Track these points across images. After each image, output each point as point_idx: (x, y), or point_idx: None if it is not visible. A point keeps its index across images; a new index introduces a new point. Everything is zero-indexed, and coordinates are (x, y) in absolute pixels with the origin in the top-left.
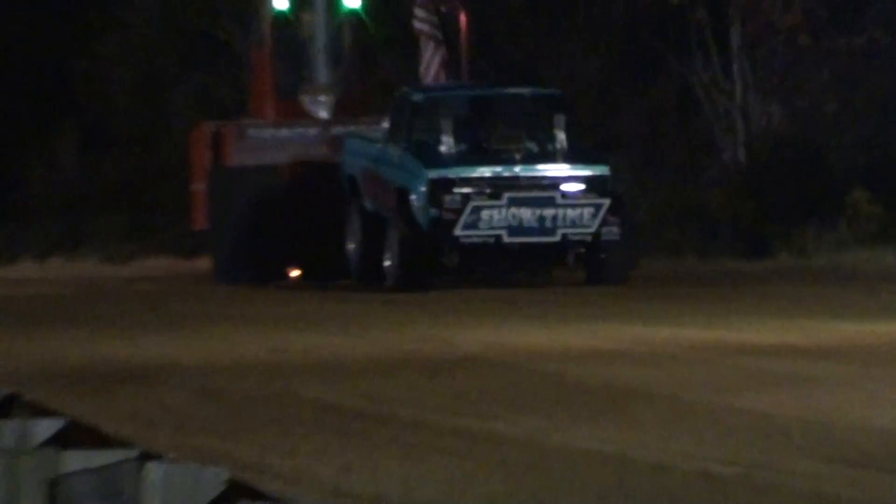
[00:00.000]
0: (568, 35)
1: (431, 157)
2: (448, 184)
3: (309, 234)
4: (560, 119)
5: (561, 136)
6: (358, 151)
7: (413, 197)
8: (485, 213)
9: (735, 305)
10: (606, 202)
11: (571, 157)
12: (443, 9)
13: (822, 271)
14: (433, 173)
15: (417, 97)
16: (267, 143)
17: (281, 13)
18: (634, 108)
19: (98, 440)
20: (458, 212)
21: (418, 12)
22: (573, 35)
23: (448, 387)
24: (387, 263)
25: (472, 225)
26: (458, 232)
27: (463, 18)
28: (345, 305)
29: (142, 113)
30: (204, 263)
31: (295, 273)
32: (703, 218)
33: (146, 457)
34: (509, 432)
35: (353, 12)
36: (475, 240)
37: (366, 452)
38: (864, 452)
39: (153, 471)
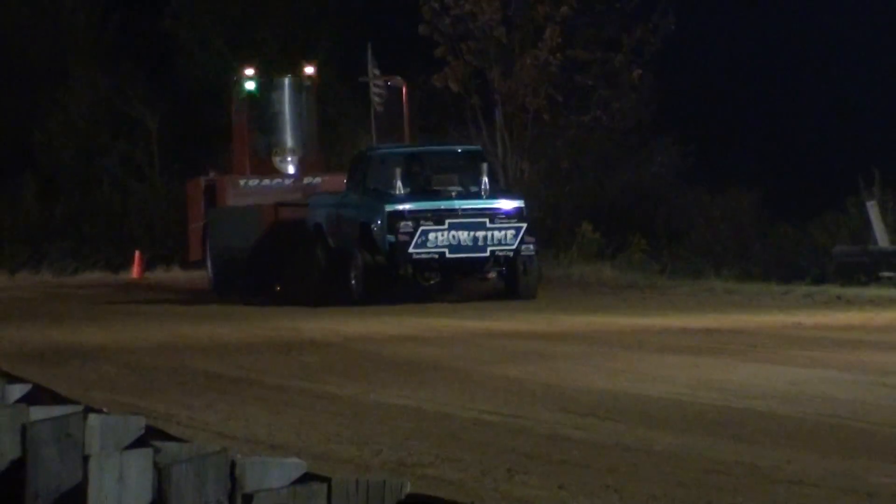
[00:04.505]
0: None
1: (387, 197)
2: (401, 215)
3: (287, 258)
4: (484, 166)
5: (485, 179)
6: (322, 203)
7: (374, 227)
8: (431, 235)
9: (500, 304)
10: (524, 225)
11: (494, 193)
12: (389, 83)
13: (557, 281)
14: (390, 207)
15: (374, 153)
16: (254, 190)
17: (251, 93)
18: None
19: (54, 399)
20: (411, 235)
21: (374, 87)
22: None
23: (297, 361)
24: (353, 283)
25: (421, 244)
26: (411, 250)
27: (405, 90)
28: (237, 307)
29: (81, 170)
30: (126, 276)
31: (278, 288)
32: None
33: (89, 410)
34: (340, 393)
35: (309, 91)
36: (424, 256)
37: (241, 407)
38: (588, 406)
39: (94, 420)
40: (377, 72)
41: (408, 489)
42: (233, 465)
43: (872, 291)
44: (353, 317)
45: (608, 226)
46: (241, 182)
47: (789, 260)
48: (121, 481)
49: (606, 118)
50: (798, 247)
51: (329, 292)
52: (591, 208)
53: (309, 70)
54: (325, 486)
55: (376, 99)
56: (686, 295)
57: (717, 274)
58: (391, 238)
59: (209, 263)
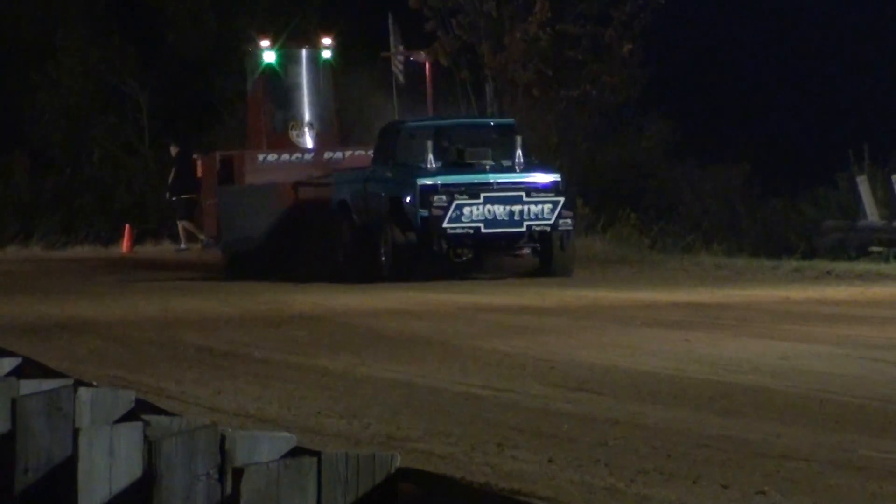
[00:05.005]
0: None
1: (419, 170)
2: (434, 189)
3: (307, 239)
4: (518, 139)
5: (519, 152)
6: (347, 180)
7: (406, 202)
8: (466, 210)
9: (487, 279)
10: (562, 199)
11: (530, 166)
12: (412, 58)
13: None
14: (422, 181)
15: (405, 127)
16: (273, 166)
17: (269, 66)
18: None
19: (45, 372)
20: (445, 209)
21: (396, 62)
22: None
23: (286, 334)
24: (383, 259)
25: (456, 219)
26: (445, 225)
27: (428, 66)
28: (219, 280)
29: (71, 144)
30: (116, 250)
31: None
32: None
33: (79, 384)
34: (330, 366)
35: (327, 63)
36: (459, 231)
37: (231, 381)
38: (578, 380)
39: (84, 394)
40: (401, 46)
41: (398, 463)
42: (223, 438)
43: (862, 266)
44: (344, 291)
45: (598, 200)
46: (259, 157)
47: (779, 235)
48: (111, 455)
49: (596, 93)
50: (787, 222)
51: (355, 270)
52: (581, 183)
53: (326, 41)
54: (314, 460)
55: (398, 71)
56: (676, 269)
57: (706, 248)
58: (424, 213)
59: (221, 243)
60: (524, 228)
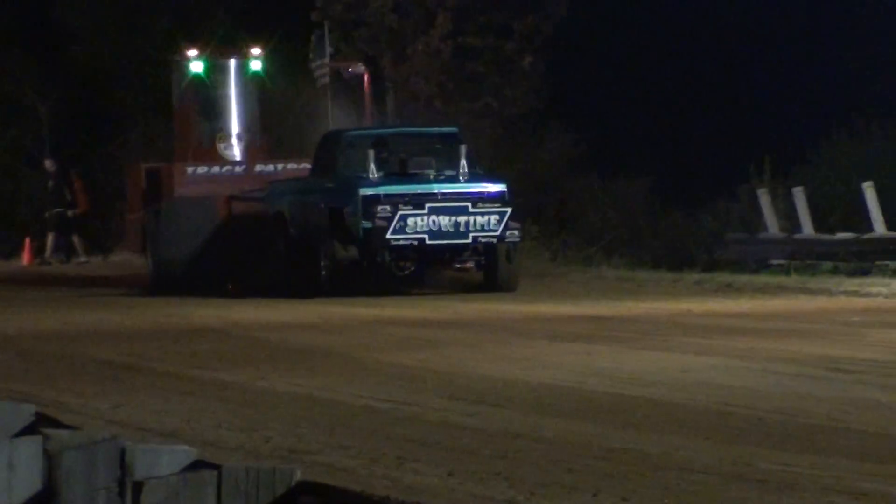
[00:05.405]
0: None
1: (361, 180)
2: (377, 199)
3: (240, 254)
4: (463, 148)
5: (464, 161)
6: (283, 191)
7: (347, 213)
8: (410, 220)
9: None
10: (509, 210)
11: (475, 176)
12: (350, 69)
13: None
14: (365, 191)
15: (346, 136)
16: (203, 179)
17: (197, 76)
18: None
19: None
20: (389, 220)
21: (322, 70)
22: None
23: (187, 348)
24: (322, 273)
25: (400, 230)
26: (388, 236)
27: (367, 77)
28: (123, 294)
29: None
30: (16, 264)
31: (230, 287)
32: None
33: None
34: (230, 379)
35: (256, 74)
36: (403, 242)
37: (131, 394)
38: (479, 393)
39: None
40: (331, 50)
41: (298, 476)
42: (123, 452)
43: (762, 279)
44: (247, 305)
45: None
46: (189, 170)
47: (680, 247)
48: (10, 469)
49: (498, 105)
50: (689, 234)
51: (292, 285)
52: None
53: (255, 51)
54: (215, 473)
55: (323, 80)
56: (577, 283)
57: (608, 261)
58: (367, 224)
59: (149, 258)
60: (469, 240)
